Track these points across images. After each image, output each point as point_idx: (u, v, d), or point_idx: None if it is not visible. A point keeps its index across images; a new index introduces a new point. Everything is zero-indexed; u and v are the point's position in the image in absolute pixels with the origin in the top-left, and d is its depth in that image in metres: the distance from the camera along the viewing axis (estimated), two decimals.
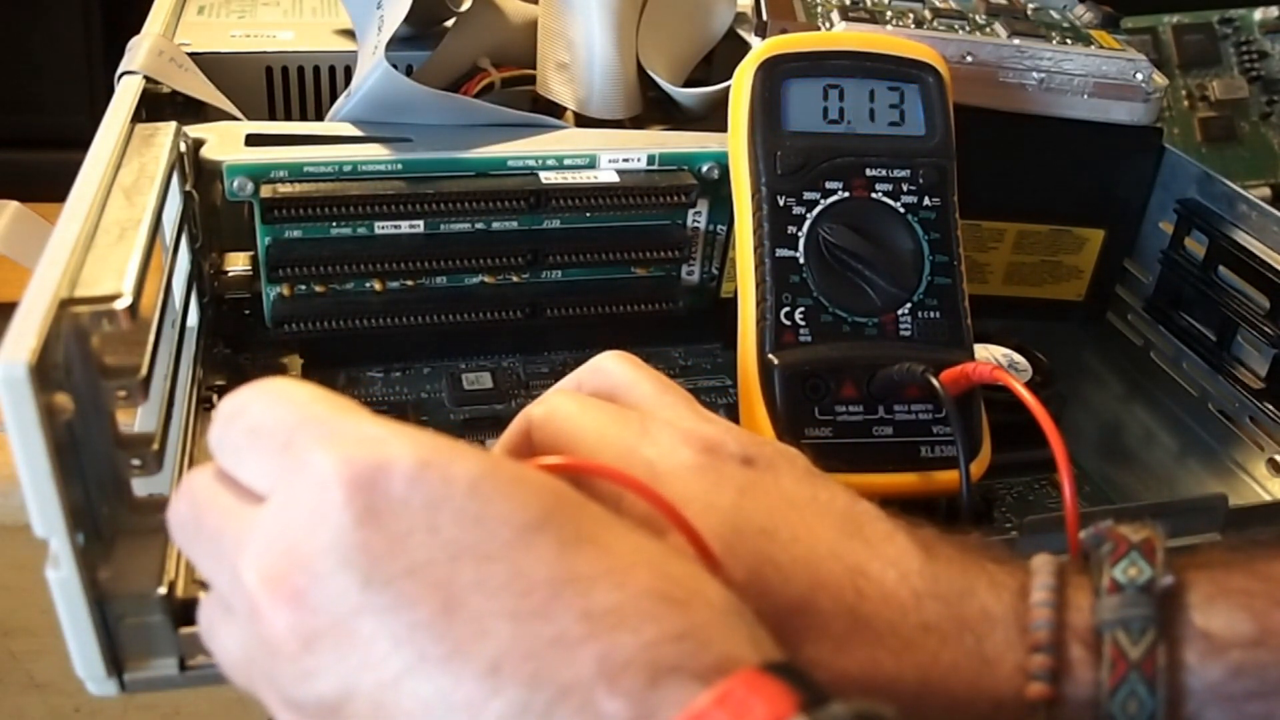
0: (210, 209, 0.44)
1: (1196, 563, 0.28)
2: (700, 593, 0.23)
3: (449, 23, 0.53)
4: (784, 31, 0.43)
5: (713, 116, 0.50)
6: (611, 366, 0.33)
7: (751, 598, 0.26)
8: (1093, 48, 0.47)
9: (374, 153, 0.44)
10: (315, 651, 0.23)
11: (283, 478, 0.24)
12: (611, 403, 0.31)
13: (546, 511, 0.23)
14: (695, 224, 0.48)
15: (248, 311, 0.46)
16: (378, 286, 0.45)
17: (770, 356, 0.39)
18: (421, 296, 0.46)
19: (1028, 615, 0.27)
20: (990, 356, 0.45)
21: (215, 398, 0.43)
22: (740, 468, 0.29)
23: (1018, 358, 0.46)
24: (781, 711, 0.20)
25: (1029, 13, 0.50)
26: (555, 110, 0.51)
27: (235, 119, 0.48)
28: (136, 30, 0.50)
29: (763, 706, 0.20)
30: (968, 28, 0.47)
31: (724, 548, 0.27)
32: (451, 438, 0.25)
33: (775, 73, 0.41)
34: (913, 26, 0.46)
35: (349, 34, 0.55)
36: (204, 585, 0.27)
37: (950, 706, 0.26)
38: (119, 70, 0.45)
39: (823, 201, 0.40)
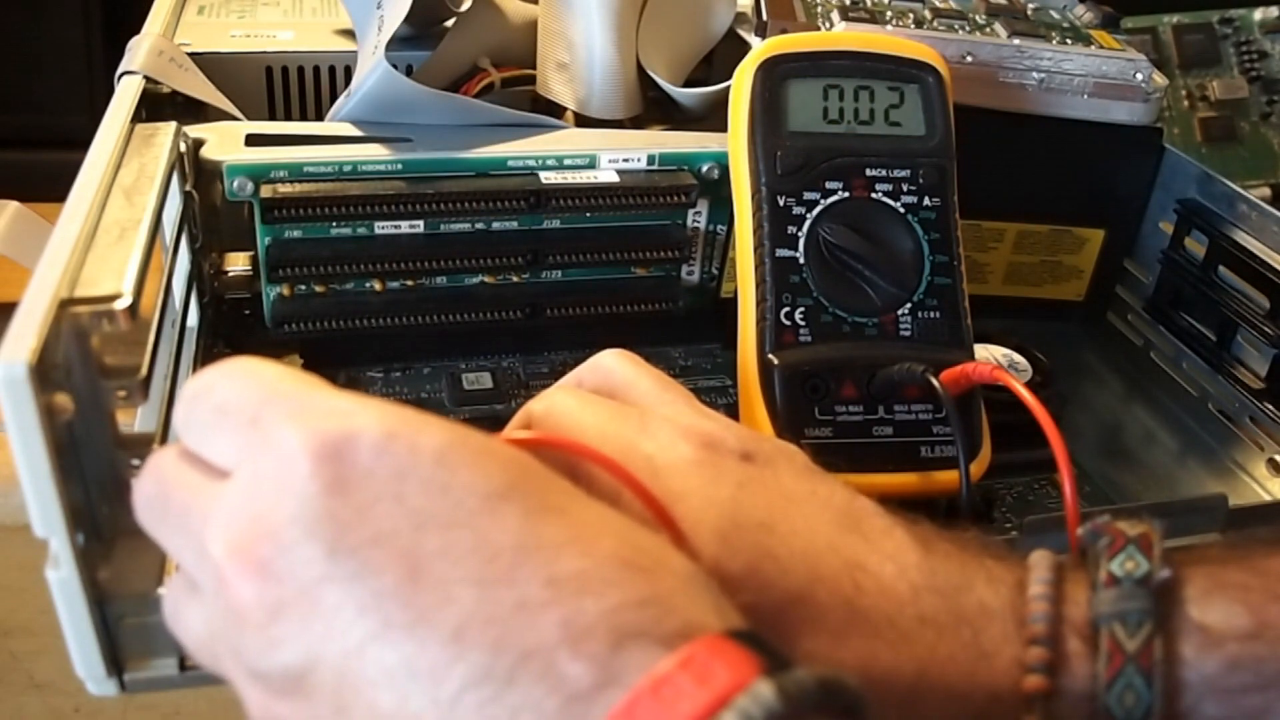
0: (210, 209, 0.44)
1: (1194, 558, 0.28)
2: (665, 561, 0.23)
3: (449, 23, 0.53)
4: (784, 31, 0.43)
5: (713, 116, 0.50)
6: (612, 364, 0.33)
7: (749, 590, 0.26)
8: (1093, 48, 0.47)
9: (374, 153, 0.44)
10: (281, 621, 0.23)
11: (249, 452, 0.24)
12: (611, 399, 0.31)
13: (512, 481, 0.24)
14: (695, 224, 0.48)
15: (248, 311, 0.46)
16: (378, 286, 0.45)
17: (770, 356, 0.39)
18: (421, 296, 0.46)
19: (1025, 609, 0.27)
20: (990, 356, 0.45)
21: None
22: (739, 463, 0.29)
23: (1018, 358, 0.46)
24: (745, 675, 0.20)
25: (1029, 13, 0.50)
26: (555, 110, 0.51)
27: (235, 119, 0.48)
28: (136, 30, 0.50)
29: (726, 670, 0.20)
30: (968, 28, 0.47)
31: (721, 541, 0.27)
32: (419, 410, 0.25)
33: (775, 73, 0.41)
34: (913, 26, 0.46)
35: (349, 34, 0.55)
36: None
37: (947, 699, 0.26)
38: (119, 70, 0.45)
39: (823, 201, 0.40)
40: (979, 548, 0.28)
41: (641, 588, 0.22)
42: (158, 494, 0.26)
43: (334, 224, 0.43)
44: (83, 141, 0.37)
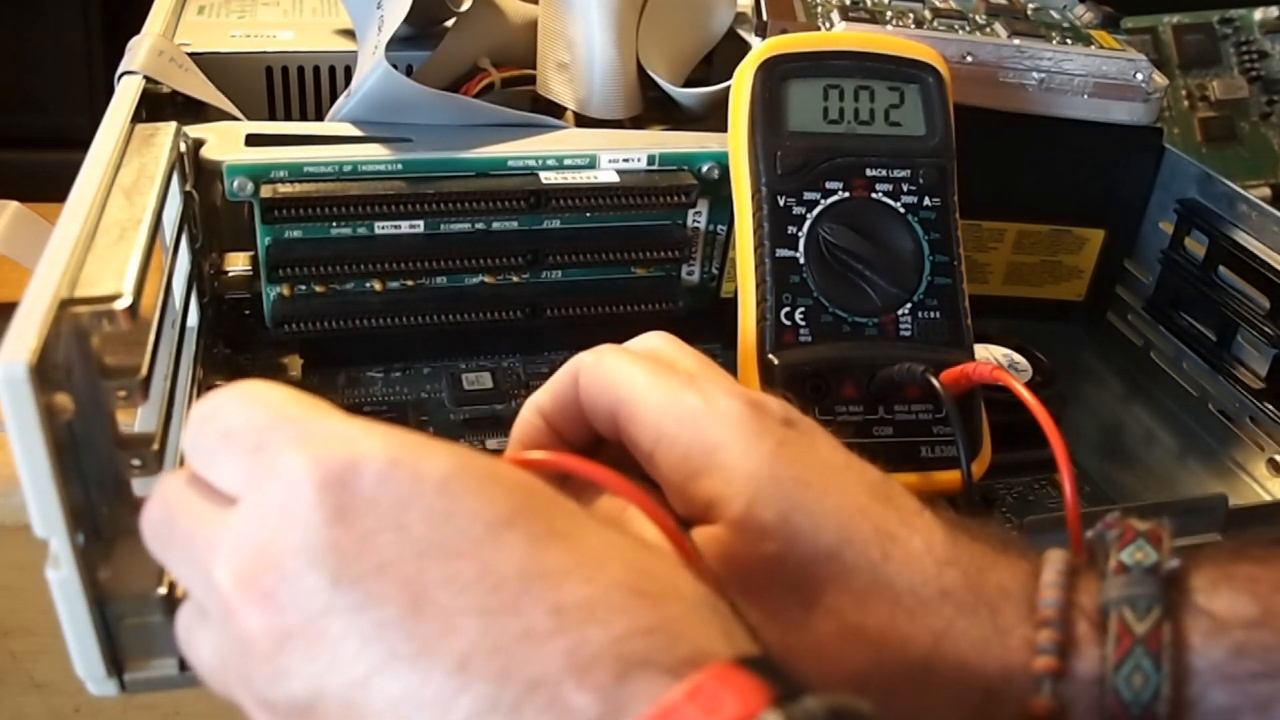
0: (210, 209, 0.44)
1: (1204, 554, 0.28)
2: (673, 586, 0.23)
3: (449, 23, 0.53)
4: (784, 31, 0.43)
5: (713, 116, 0.50)
6: (657, 342, 0.33)
7: (778, 540, 0.26)
8: (1093, 48, 0.47)
9: (374, 153, 0.44)
10: (286, 651, 0.23)
11: (254, 479, 0.24)
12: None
13: (516, 507, 0.23)
14: (695, 224, 0.48)
15: (248, 311, 0.46)
16: (378, 286, 0.45)
17: (770, 356, 0.39)
18: (421, 296, 0.46)
19: (1037, 595, 0.27)
20: (990, 356, 0.45)
21: None
22: (781, 425, 0.29)
23: (1018, 358, 0.46)
24: (753, 706, 0.20)
25: (1029, 13, 0.50)
26: (555, 110, 0.51)
27: (235, 119, 0.48)
28: (136, 30, 0.50)
29: (734, 700, 0.20)
30: (968, 28, 0.47)
31: (757, 488, 0.27)
32: (425, 435, 0.25)
33: (775, 73, 0.41)
34: (913, 26, 0.46)
35: (349, 34, 0.55)
36: None
37: (959, 671, 0.26)
38: (119, 70, 0.45)
39: (823, 201, 0.40)
40: (1001, 539, 0.29)
41: (648, 615, 0.22)
42: (164, 520, 0.26)
43: (334, 224, 0.43)
44: (83, 141, 0.37)
